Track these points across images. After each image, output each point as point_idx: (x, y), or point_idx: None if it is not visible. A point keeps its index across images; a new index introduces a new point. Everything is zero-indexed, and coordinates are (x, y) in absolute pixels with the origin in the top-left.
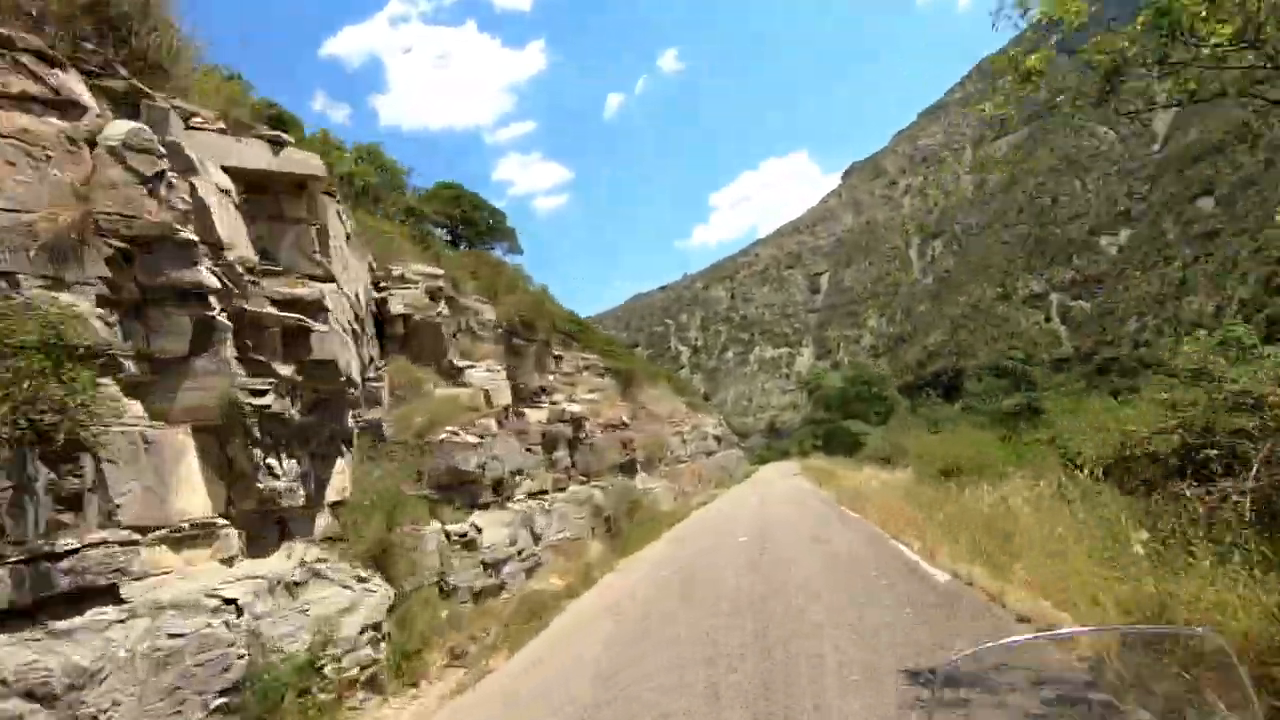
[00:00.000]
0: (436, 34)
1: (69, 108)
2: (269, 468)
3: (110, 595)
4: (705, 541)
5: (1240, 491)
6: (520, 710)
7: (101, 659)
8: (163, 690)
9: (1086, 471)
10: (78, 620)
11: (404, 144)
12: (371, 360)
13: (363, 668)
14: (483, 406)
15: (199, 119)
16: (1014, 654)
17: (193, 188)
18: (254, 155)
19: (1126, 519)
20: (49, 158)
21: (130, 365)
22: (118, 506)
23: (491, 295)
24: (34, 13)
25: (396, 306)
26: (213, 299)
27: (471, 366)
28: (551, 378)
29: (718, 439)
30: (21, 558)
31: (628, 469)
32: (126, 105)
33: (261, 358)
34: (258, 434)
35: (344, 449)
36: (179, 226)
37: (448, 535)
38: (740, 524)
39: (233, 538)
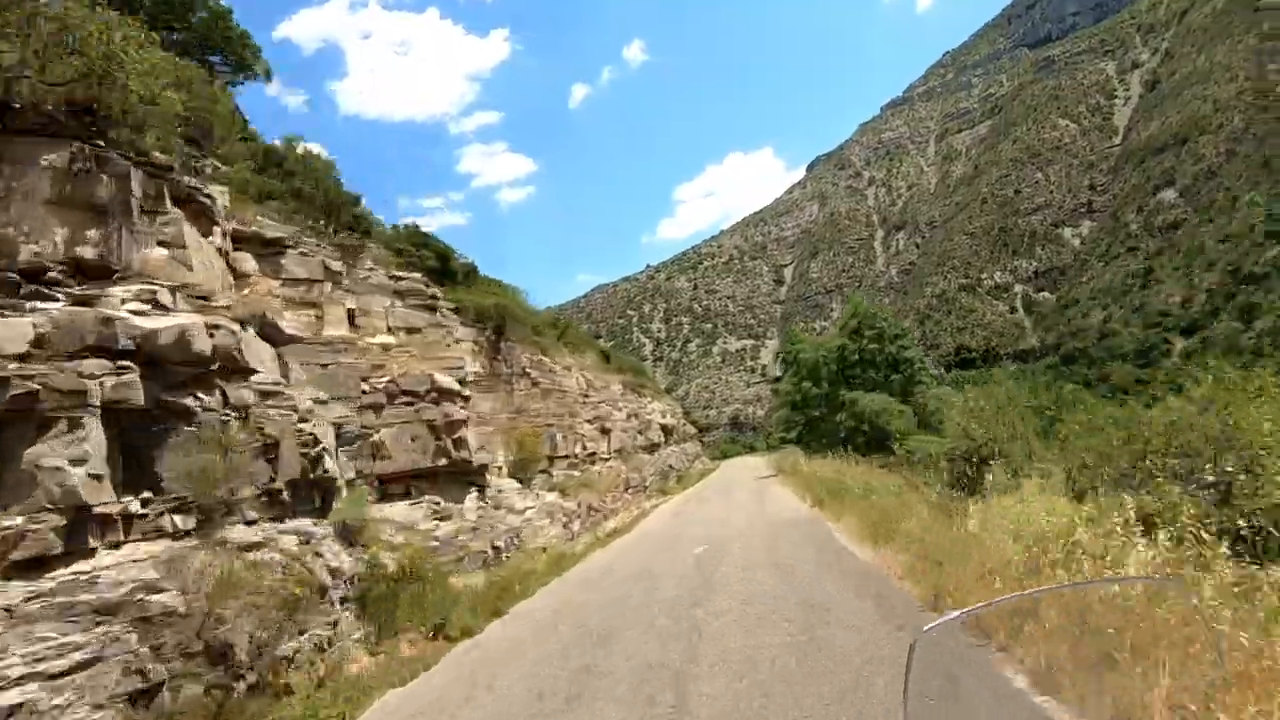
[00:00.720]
0: (397, 20)
1: None
2: None
3: None
4: None
5: None
6: None
7: None
8: None
9: None
10: None
11: (365, 132)
12: None
13: None
14: None
15: None
16: (984, 619)
17: None
18: None
19: None
20: None
21: None
22: None
23: None
24: None
25: None
26: None
27: None
28: (163, 252)
29: (666, 430)
30: None
31: (457, 477)
32: None
33: None
34: None
35: None
36: None
37: None
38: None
39: None
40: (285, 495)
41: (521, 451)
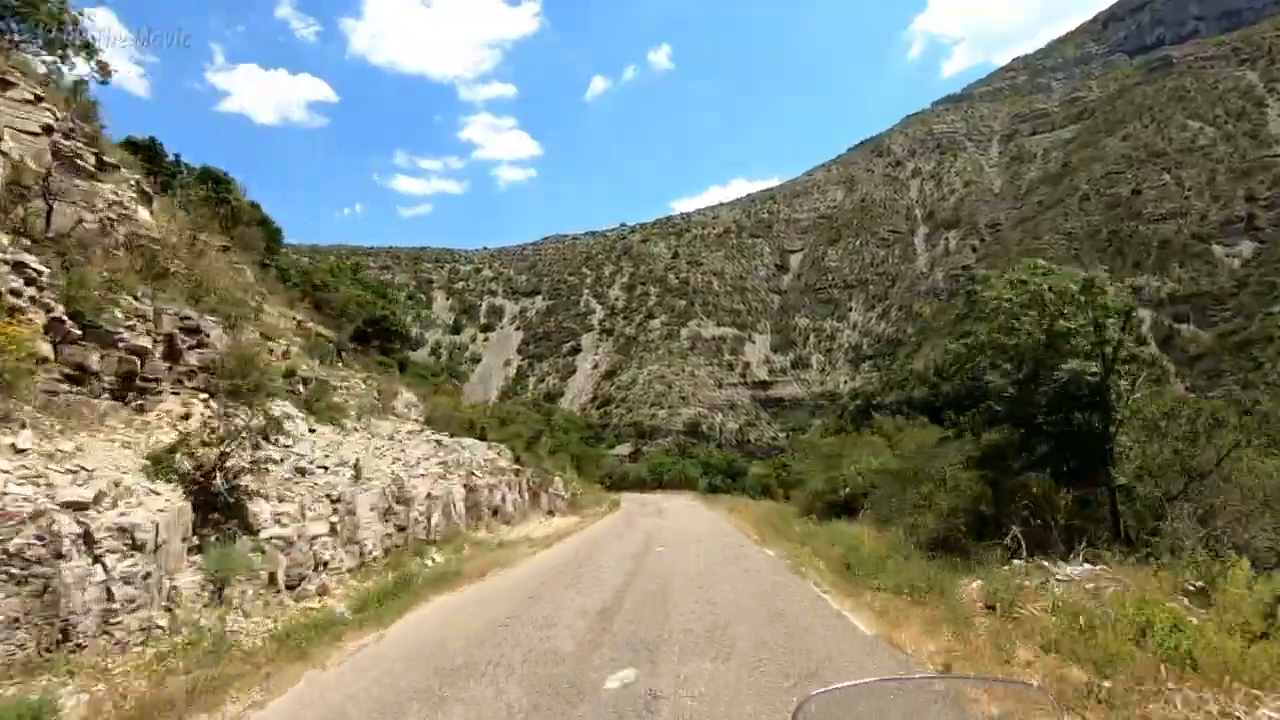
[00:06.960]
0: None
1: None
2: None
3: None
4: None
5: None
6: None
7: None
8: None
9: None
10: None
11: (370, 78)
12: None
13: None
14: None
15: None
16: (860, 696)
17: None
18: None
19: None
20: None
21: None
22: None
23: None
24: None
25: None
26: None
27: None
28: None
29: None
30: None
31: None
32: None
33: None
34: None
35: None
36: None
37: None
38: None
39: None
40: None
41: None
